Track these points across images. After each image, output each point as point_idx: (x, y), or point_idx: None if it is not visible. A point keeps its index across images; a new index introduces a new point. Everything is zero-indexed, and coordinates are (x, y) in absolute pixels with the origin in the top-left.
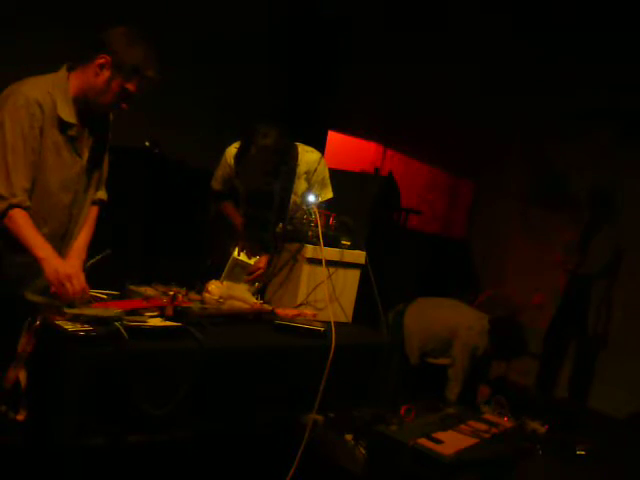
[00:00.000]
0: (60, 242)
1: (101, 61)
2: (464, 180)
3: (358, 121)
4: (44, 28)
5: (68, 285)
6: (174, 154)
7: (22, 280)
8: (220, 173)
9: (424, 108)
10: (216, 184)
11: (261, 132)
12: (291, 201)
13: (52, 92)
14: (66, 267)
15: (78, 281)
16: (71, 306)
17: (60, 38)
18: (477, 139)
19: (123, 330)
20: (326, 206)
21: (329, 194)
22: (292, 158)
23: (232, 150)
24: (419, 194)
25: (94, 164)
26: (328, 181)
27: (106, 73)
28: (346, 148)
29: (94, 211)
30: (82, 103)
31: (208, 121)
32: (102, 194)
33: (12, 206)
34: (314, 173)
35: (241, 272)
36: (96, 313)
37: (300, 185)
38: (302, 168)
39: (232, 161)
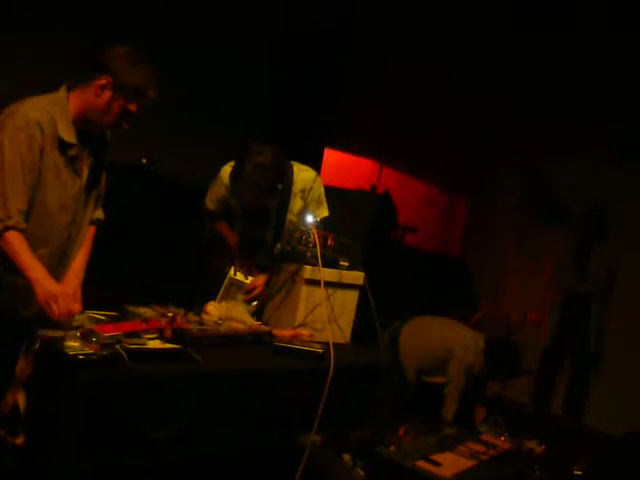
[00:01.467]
0: (58, 263)
1: (102, 82)
2: (460, 197)
3: (354, 138)
4: (44, 45)
5: (53, 305)
6: (170, 171)
7: (22, 302)
8: (214, 193)
9: (420, 125)
10: (210, 204)
11: (256, 150)
12: (287, 220)
13: (52, 112)
14: (55, 287)
15: (64, 302)
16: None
17: (59, 55)
18: (472, 156)
19: (124, 353)
20: (323, 225)
21: (325, 212)
22: (287, 176)
23: (227, 169)
24: (415, 211)
25: (92, 184)
26: (324, 199)
27: (107, 94)
28: (342, 165)
29: (91, 231)
30: (82, 123)
31: (205, 139)
32: (99, 213)
33: (7, 228)
34: (310, 191)
35: (237, 291)
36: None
37: (296, 204)
38: (298, 186)
39: (227, 180)
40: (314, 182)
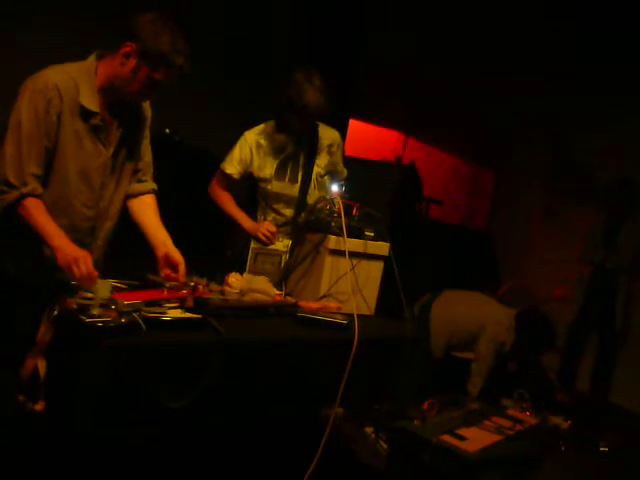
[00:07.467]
0: (90, 236)
1: (127, 49)
2: (486, 169)
3: (380, 109)
4: (75, 15)
5: (74, 268)
6: (194, 141)
7: (50, 270)
8: (237, 155)
9: (446, 96)
10: (230, 167)
11: (307, 76)
12: (315, 172)
13: (76, 78)
14: (76, 251)
15: (85, 265)
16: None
17: (91, 25)
18: (499, 128)
19: (141, 321)
20: (349, 196)
21: (345, 173)
22: (314, 133)
23: (252, 134)
24: (440, 184)
25: (126, 156)
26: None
27: (132, 62)
28: (367, 137)
29: (150, 200)
30: (110, 93)
31: (227, 111)
32: (153, 184)
33: (24, 195)
34: (337, 148)
35: (265, 260)
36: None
37: (323, 157)
38: (325, 141)
39: (254, 143)
40: (339, 141)
